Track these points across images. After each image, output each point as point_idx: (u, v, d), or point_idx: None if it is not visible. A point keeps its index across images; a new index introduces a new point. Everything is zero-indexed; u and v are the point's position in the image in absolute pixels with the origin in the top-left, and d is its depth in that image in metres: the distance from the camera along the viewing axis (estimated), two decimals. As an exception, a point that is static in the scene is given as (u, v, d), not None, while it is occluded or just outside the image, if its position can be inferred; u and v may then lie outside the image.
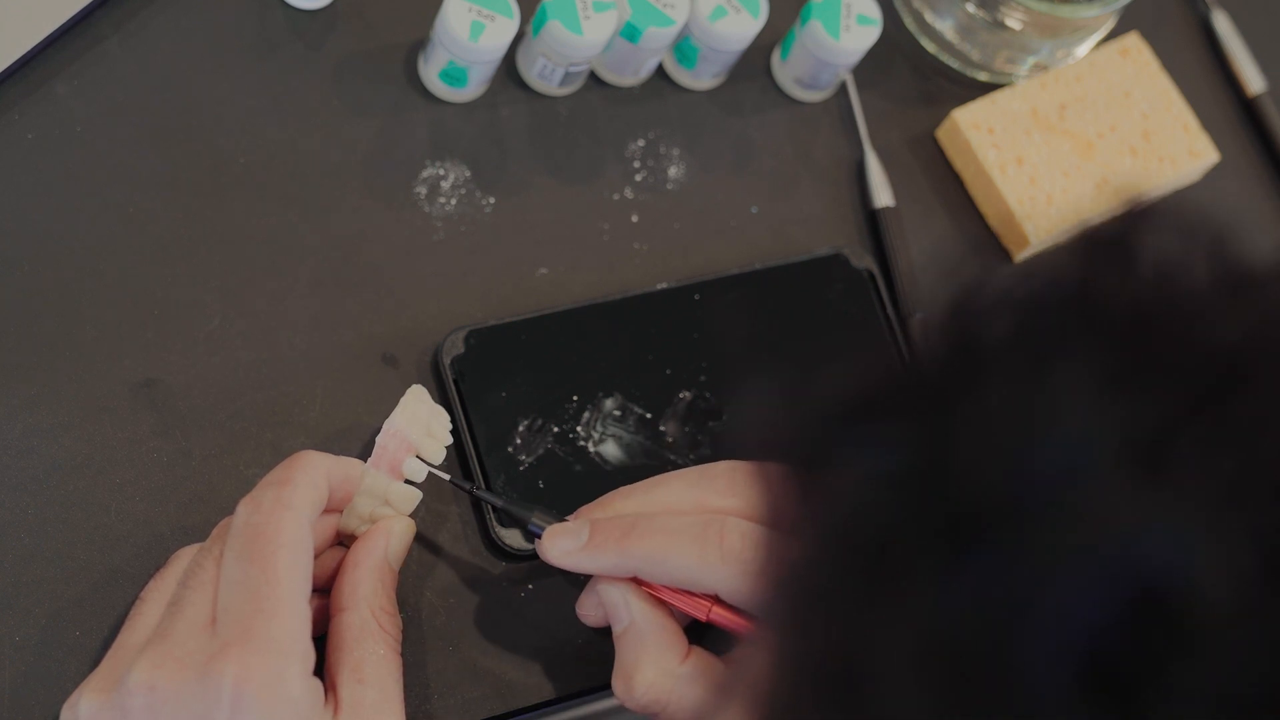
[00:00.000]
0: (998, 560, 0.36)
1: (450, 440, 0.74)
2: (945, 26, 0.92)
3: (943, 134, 0.91)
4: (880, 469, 0.39)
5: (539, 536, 0.70)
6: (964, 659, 0.36)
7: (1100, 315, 0.38)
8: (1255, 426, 0.36)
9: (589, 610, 0.71)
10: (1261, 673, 0.34)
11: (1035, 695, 0.35)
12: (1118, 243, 0.40)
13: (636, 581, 0.69)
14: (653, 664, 0.68)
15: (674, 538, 0.67)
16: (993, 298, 0.40)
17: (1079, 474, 0.36)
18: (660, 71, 0.88)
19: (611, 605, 0.69)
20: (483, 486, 0.75)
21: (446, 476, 0.73)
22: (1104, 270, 0.39)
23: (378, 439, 0.72)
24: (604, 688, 0.74)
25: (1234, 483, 0.35)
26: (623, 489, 0.71)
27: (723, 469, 0.70)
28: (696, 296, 0.82)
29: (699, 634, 0.70)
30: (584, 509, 0.71)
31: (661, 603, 0.69)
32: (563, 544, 0.69)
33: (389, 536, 0.70)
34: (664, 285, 0.82)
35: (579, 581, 0.76)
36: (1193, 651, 0.34)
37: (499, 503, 0.73)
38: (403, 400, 0.73)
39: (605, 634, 0.71)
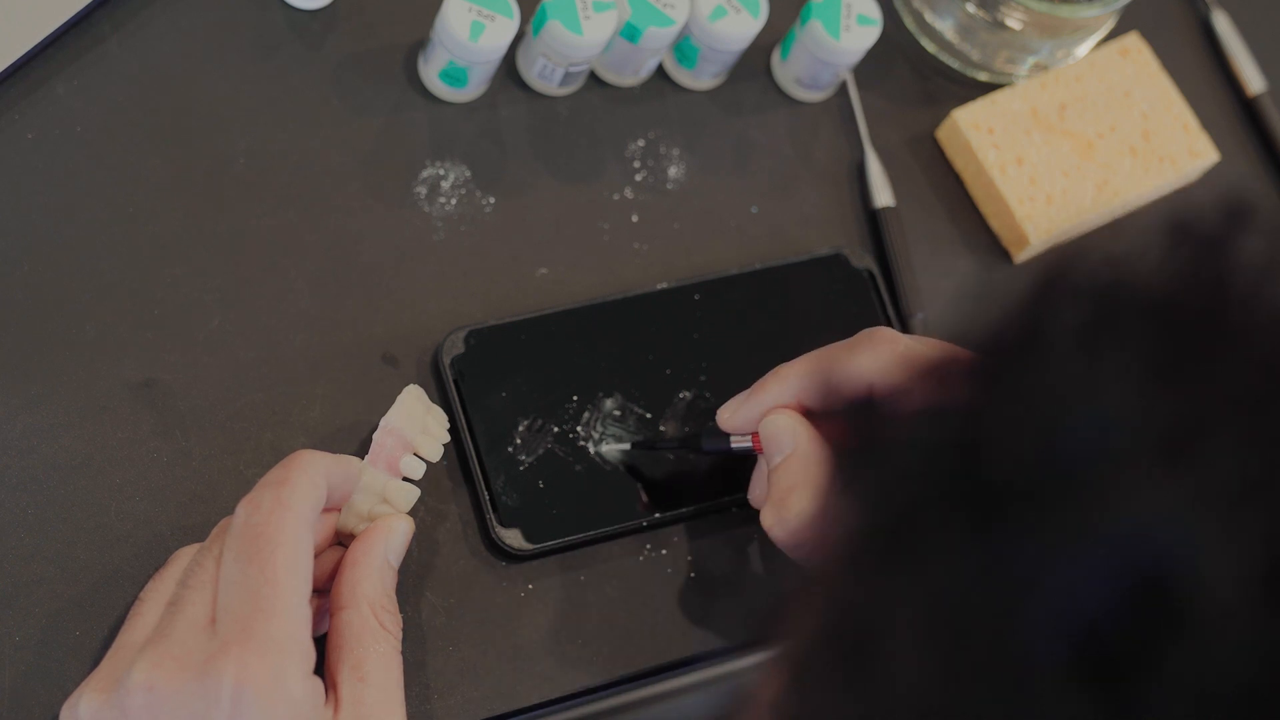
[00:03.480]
0: (1012, 535, 0.37)
1: (448, 438, 0.74)
2: (945, 26, 0.92)
3: (943, 134, 0.91)
4: (924, 437, 0.40)
5: (719, 437, 0.74)
6: (967, 631, 0.37)
7: (1167, 308, 0.39)
8: None
9: (758, 487, 0.74)
10: (1252, 671, 0.35)
11: (1030, 671, 0.36)
12: (1208, 239, 0.40)
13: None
14: (807, 491, 0.69)
15: (844, 348, 0.70)
16: (1075, 284, 0.40)
17: (1104, 456, 0.37)
18: (660, 71, 0.88)
19: (775, 434, 0.71)
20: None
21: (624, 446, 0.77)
22: (1185, 267, 0.39)
23: (375, 436, 0.72)
24: (604, 687, 0.74)
25: (1256, 485, 0.36)
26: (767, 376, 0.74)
27: (864, 362, 0.72)
28: (696, 296, 0.82)
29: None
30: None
31: (823, 441, 0.71)
32: (733, 402, 0.73)
33: (388, 535, 0.70)
34: (664, 285, 0.82)
35: (580, 580, 0.76)
36: (1189, 643, 0.35)
37: (673, 443, 0.77)
38: (399, 398, 0.73)
39: (605, 633, 0.71)
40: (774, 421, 0.72)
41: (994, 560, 0.37)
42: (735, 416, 0.74)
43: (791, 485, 0.70)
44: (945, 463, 0.39)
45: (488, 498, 0.75)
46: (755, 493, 0.75)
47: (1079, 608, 0.35)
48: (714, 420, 0.75)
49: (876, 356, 0.70)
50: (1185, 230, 0.40)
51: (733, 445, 0.74)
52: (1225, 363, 0.37)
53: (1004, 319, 0.41)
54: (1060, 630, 0.36)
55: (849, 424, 0.44)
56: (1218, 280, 0.39)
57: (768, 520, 0.70)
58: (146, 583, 0.68)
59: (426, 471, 0.73)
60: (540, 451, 0.77)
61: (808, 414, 0.73)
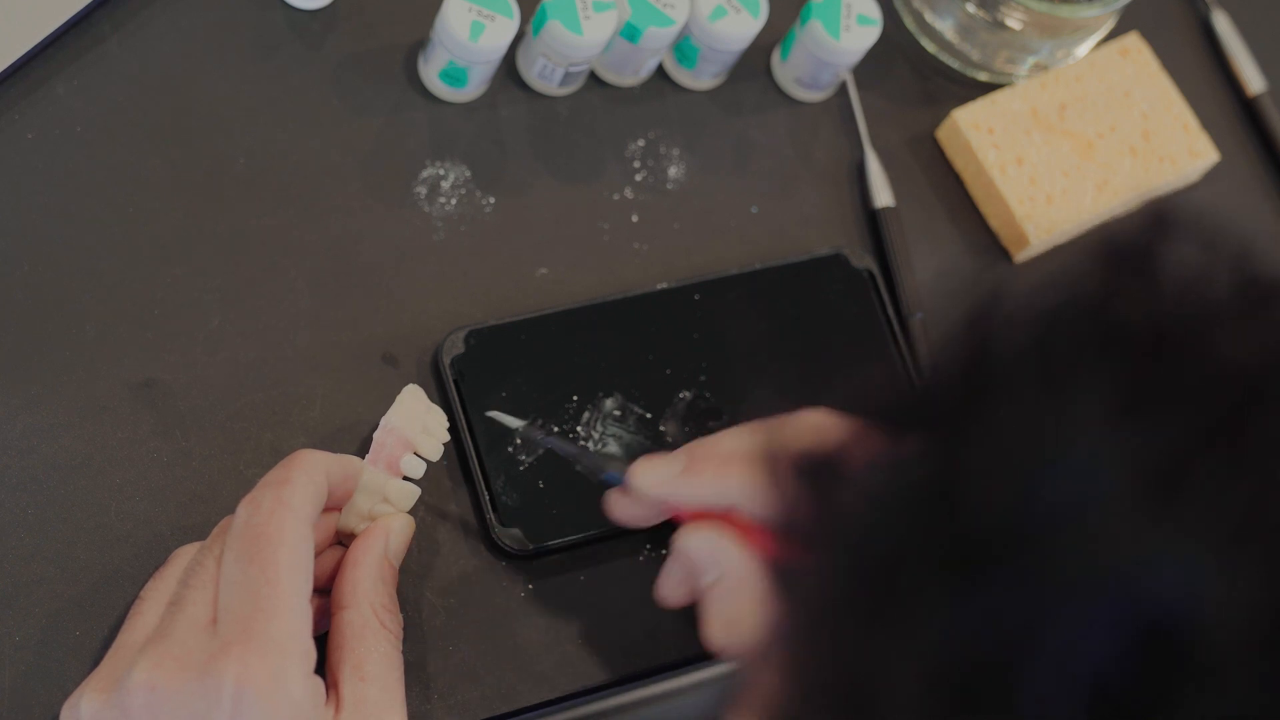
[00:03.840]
0: (1007, 587, 0.36)
1: (447, 438, 0.74)
2: (945, 26, 0.92)
3: (943, 134, 0.91)
4: (892, 487, 0.39)
5: (616, 483, 0.68)
6: (972, 685, 0.36)
7: (1119, 333, 0.38)
8: (1269, 455, 0.36)
9: (670, 589, 0.69)
10: (1268, 709, 0.34)
11: None
12: (1140, 252, 0.39)
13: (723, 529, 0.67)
14: (756, 608, 0.66)
15: (781, 419, 0.65)
16: (1011, 309, 0.40)
17: (1089, 502, 0.36)
18: (660, 71, 0.88)
19: (699, 555, 0.67)
20: (554, 434, 0.76)
21: (519, 423, 0.73)
22: (1125, 282, 0.39)
23: (375, 435, 0.72)
24: (604, 687, 0.74)
25: (1246, 514, 0.35)
26: (723, 430, 0.69)
27: (807, 422, 0.69)
28: (696, 296, 0.82)
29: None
30: (681, 449, 0.69)
31: (752, 548, 0.67)
32: (659, 470, 0.67)
33: (388, 534, 0.70)
34: (664, 285, 0.82)
35: (580, 580, 0.76)
36: (1200, 686, 0.34)
37: (575, 450, 0.73)
38: (399, 398, 0.73)
39: (605, 633, 0.71)
40: (699, 541, 0.67)
41: (988, 615, 0.36)
42: (657, 490, 0.68)
43: (738, 613, 0.66)
44: (917, 516, 0.38)
45: (488, 498, 0.75)
46: (665, 589, 0.70)
47: (1086, 657, 0.35)
48: (628, 463, 0.71)
49: (818, 416, 0.69)
50: (1113, 247, 0.40)
51: (641, 509, 0.70)
52: (1188, 387, 0.37)
53: (949, 355, 0.40)
54: (1069, 681, 0.35)
55: (805, 486, 0.42)
56: (1157, 298, 0.38)
57: (713, 639, 0.67)
58: (147, 582, 0.68)
59: (426, 471, 0.73)
60: (540, 451, 0.77)
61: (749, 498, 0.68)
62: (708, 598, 0.68)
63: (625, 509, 0.70)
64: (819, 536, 0.41)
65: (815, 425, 0.67)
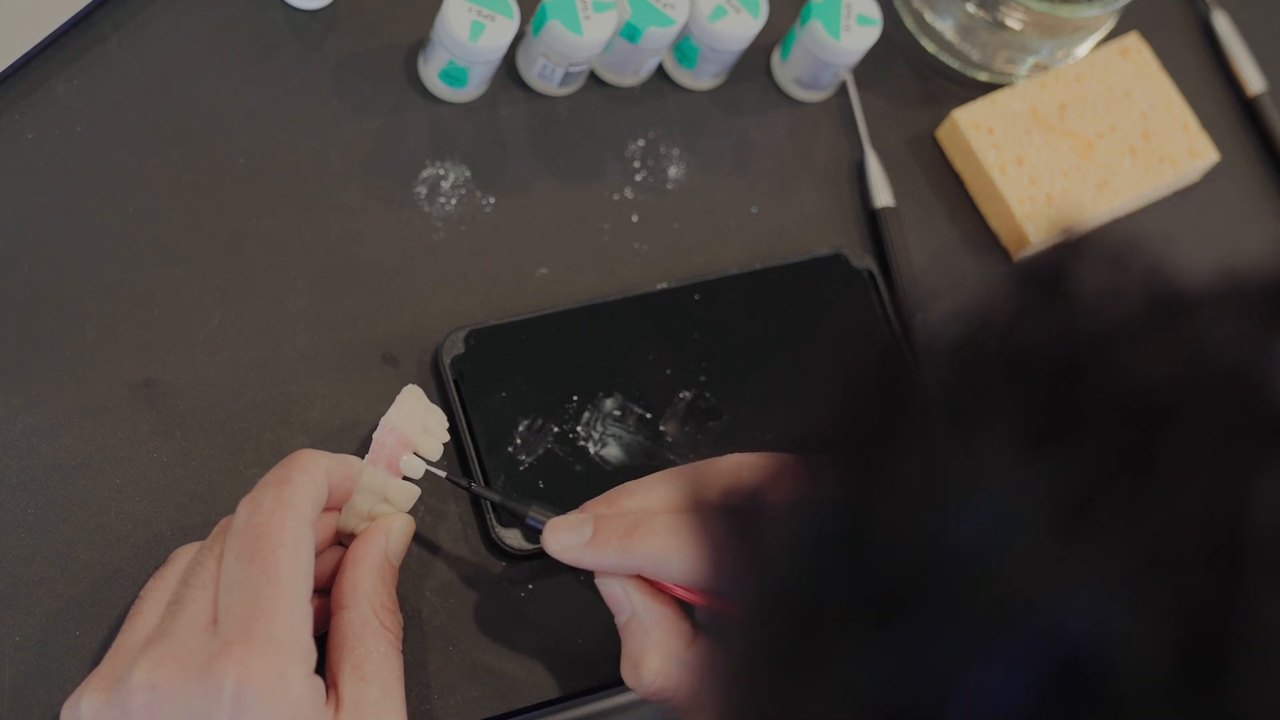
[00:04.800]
0: (920, 632, 0.36)
1: (447, 438, 0.74)
2: (945, 26, 0.92)
3: (943, 134, 0.91)
4: (809, 531, 0.39)
5: (539, 530, 0.70)
6: None
7: (1028, 363, 0.37)
8: (1177, 480, 0.35)
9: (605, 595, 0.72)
10: None
11: None
12: (1049, 276, 0.38)
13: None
14: (659, 653, 0.68)
15: (676, 537, 0.67)
16: (923, 345, 0.39)
17: (1000, 541, 0.35)
18: (660, 71, 0.88)
19: (612, 598, 0.70)
20: (481, 483, 0.76)
21: (443, 473, 0.73)
22: (1034, 308, 0.38)
23: (375, 435, 0.72)
24: (604, 687, 0.75)
25: (1155, 545, 0.34)
26: (627, 484, 0.71)
27: (727, 464, 0.70)
28: (696, 296, 0.82)
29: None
30: (588, 504, 0.71)
31: (663, 591, 0.69)
32: (565, 538, 0.69)
33: (388, 534, 0.70)
34: (664, 285, 0.82)
35: (579, 580, 0.76)
36: None
37: (496, 498, 0.73)
38: (399, 398, 0.73)
39: (605, 633, 0.71)
40: (606, 584, 0.70)
41: (905, 658, 0.36)
42: (565, 557, 0.69)
43: (641, 651, 0.68)
44: (830, 559, 0.38)
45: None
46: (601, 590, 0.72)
47: (1001, 702, 0.34)
48: (540, 513, 0.72)
49: (739, 458, 0.68)
50: (1023, 273, 0.39)
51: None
52: (1098, 412, 0.36)
53: (862, 381, 0.40)
54: None
55: (728, 529, 0.42)
56: (1066, 321, 0.37)
57: (626, 679, 0.69)
58: (147, 582, 0.68)
59: (426, 471, 0.72)
60: (540, 451, 0.77)
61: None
62: (621, 635, 0.70)
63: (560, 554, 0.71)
64: (740, 581, 0.41)
65: (736, 466, 0.68)
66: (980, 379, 0.37)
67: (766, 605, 0.39)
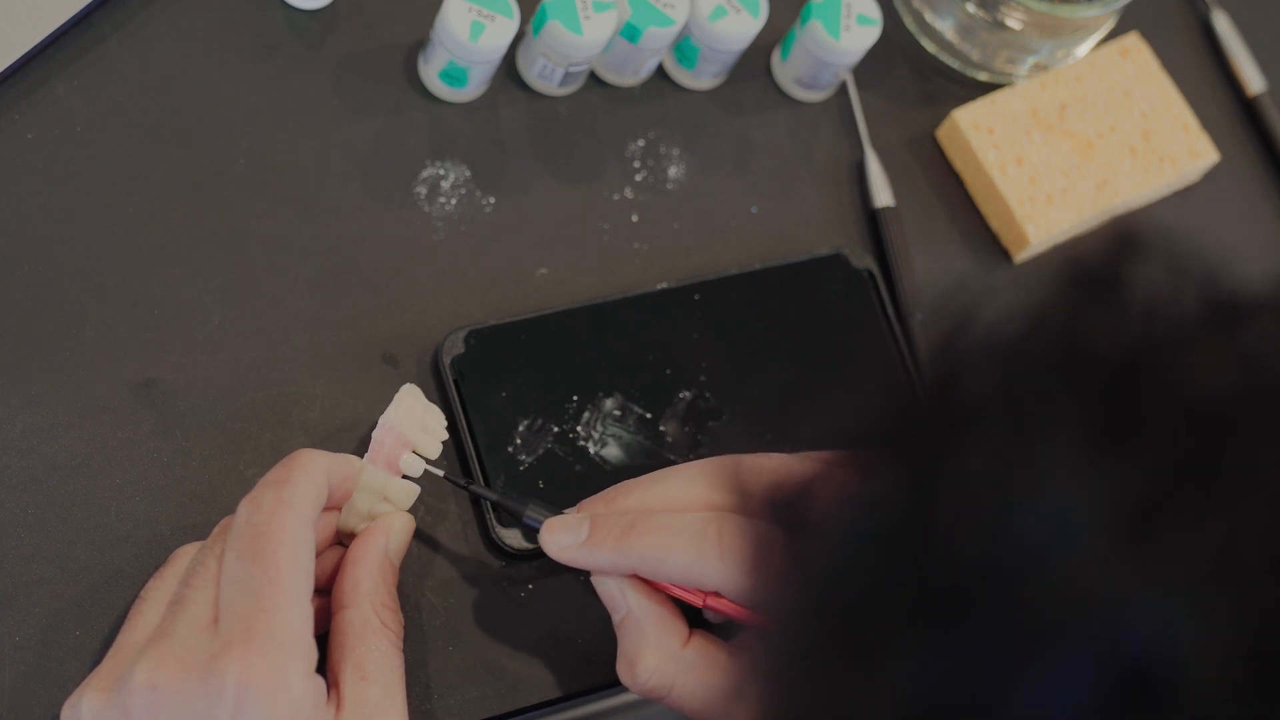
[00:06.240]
0: (980, 634, 0.36)
1: (446, 436, 0.74)
2: (945, 26, 0.92)
3: (943, 134, 0.91)
4: (863, 529, 0.38)
5: (537, 529, 0.70)
6: None
7: (1086, 365, 0.37)
8: (1242, 489, 0.35)
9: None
10: None
11: None
12: (1105, 278, 0.38)
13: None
14: (654, 651, 0.68)
15: (673, 537, 0.67)
16: (978, 342, 0.39)
17: (1063, 546, 0.35)
18: (660, 71, 0.88)
19: (608, 596, 0.70)
20: (480, 483, 0.76)
21: (441, 472, 0.73)
22: (1091, 310, 0.38)
23: (374, 434, 0.72)
24: (604, 687, 0.75)
25: (1221, 553, 0.34)
26: (625, 483, 0.71)
27: (725, 463, 0.70)
28: (696, 296, 0.82)
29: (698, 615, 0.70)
30: (586, 502, 0.71)
31: (659, 590, 0.70)
32: (561, 538, 0.69)
33: (388, 533, 0.70)
34: (664, 285, 0.82)
35: (579, 580, 0.76)
36: None
37: (494, 497, 0.73)
38: (397, 397, 0.73)
39: (605, 633, 0.71)
40: (601, 583, 0.70)
41: (961, 663, 0.36)
42: (561, 557, 0.69)
43: (637, 649, 0.68)
44: (886, 560, 0.37)
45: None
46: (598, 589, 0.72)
47: (1060, 707, 0.34)
48: (537, 512, 0.72)
49: (781, 456, 0.68)
50: (1078, 271, 0.39)
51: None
52: (1159, 419, 0.36)
53: (920, 381, 0.39)
54: None
55: (774, 521, 0.42)
56: (1124, 325, 0.37)
57: (622, 677, 0.69)
58: (147, 582, 0.68)
59: (425, 470, 0.72)
60: (540, 451, 0.77)
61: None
62: (617, 632, 0.70)
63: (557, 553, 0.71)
64: (788, 578, 0.41)
65: (777, 464, 0.68)
66: (1040, 379, 0.37)
67: (815, 601, 0.39)
